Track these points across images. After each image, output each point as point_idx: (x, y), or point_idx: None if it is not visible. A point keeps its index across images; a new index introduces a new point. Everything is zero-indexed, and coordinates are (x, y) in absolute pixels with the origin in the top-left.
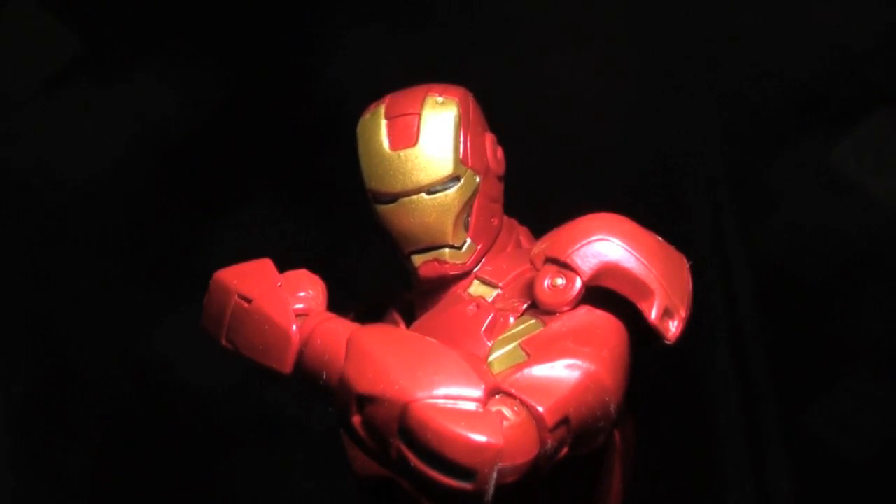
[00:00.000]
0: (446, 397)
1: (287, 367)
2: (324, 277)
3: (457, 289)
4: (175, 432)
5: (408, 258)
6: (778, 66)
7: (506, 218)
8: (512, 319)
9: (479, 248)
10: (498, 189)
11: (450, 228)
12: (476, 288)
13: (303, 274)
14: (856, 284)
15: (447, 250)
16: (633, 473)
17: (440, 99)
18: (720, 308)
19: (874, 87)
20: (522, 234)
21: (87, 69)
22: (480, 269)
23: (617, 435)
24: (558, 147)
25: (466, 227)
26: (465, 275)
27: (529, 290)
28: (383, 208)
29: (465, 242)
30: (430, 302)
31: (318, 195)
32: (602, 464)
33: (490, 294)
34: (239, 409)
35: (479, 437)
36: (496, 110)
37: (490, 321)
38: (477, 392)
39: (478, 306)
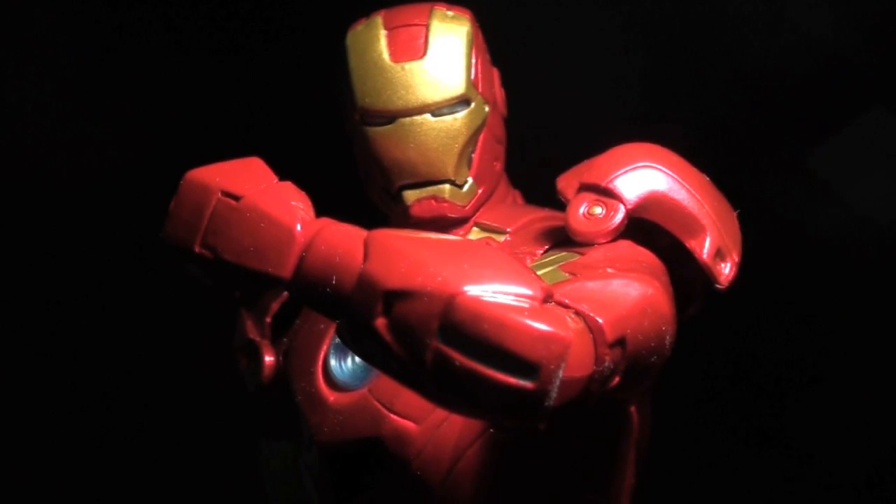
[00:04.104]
0: (500, 293)
1: (287, 270)
2: None
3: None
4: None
5: (397, 194)
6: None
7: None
8: (529, 262)
9: (479, 191)
10: (502, 129)
11: (454, 160)
12: (476, 234)
13: (290, 185)
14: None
15: (447, 186)
16: (643, 469)
17: (450, 13)
18: None
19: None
20: (517, 195)
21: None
22: (479, 215)
23: (635, 414)
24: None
25: (469, 165)
26: (462, 221)
27: (545, 237)
28: (376, 131)
29: (466, 181)
30: None
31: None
32: (617, 447)
33: (497, 239)
34: None
35: (546, 327)
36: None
37: None
38: (534, 291)
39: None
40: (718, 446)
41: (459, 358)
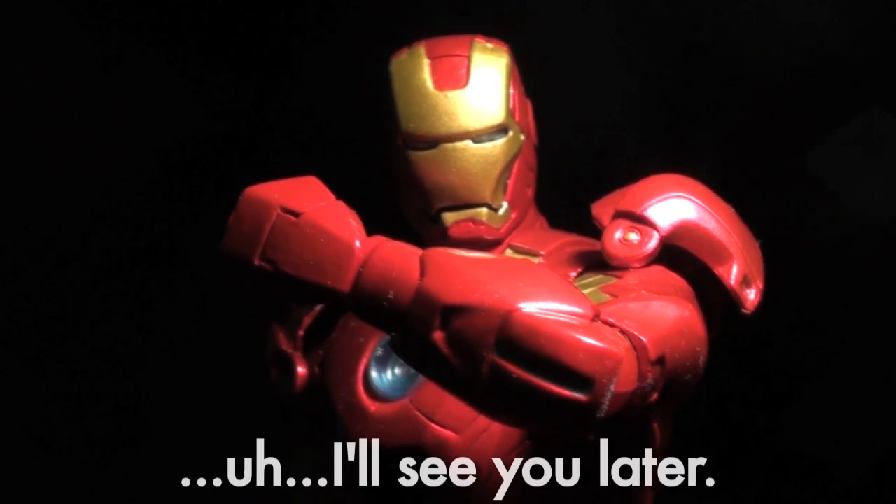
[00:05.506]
0: (553, 311)
1: (346, 283)
2: None
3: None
4: None
5: (436, 216)
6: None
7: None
8: None
9: (513, 216)
10: (534, 158)
11: (491, 185)
12: (511, 256)
13: (344, 205)
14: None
15: (485, 210)
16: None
17: (490, 46)
18: None
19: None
20: (544, 221)
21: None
22: (511, 238)
23: (657, 429)
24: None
25: (504, 190)
26: (496, 243)
27: (578, 260)
28: (418, 155)
29: (501, 205)
30: None
31: None
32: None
33: (533, 261)
34: None
35: (600, 344)
36: None
37: None
38: (585, 309)
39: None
40: (714, 442)
41: (516, 371)
